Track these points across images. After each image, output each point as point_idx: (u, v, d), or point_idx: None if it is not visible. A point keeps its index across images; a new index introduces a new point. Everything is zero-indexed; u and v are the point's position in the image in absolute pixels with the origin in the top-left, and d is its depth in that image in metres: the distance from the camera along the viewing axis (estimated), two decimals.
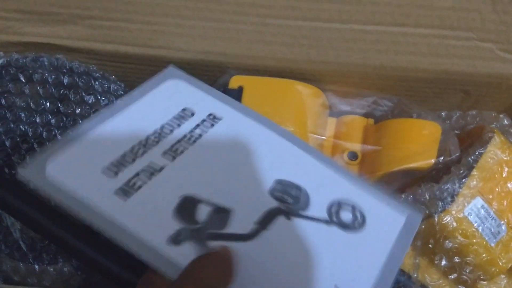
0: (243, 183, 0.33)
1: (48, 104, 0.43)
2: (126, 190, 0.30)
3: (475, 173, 0.39)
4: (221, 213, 0.30)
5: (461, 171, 0.39)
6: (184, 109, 0.35)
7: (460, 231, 0.39)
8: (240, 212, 0.31)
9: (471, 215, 0.39)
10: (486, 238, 0.39)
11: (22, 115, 0.43)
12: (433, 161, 0.40)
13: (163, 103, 0.35)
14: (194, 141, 0.34)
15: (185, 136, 0.34)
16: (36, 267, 0.46)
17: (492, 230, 0.39)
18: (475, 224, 0.39)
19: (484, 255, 0.39)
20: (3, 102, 0.43)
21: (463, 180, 0.39)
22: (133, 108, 0.34)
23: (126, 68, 0.45)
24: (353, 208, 0.33)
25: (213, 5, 0.42)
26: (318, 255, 0.30)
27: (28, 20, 0.43)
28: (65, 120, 0.43)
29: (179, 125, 0.34)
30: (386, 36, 0.42)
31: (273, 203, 0.32)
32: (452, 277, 0.40)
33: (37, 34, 0.43)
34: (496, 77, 0.43)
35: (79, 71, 0.43)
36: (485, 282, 0.41)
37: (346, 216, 0.32)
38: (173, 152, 0.33)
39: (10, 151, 0.43)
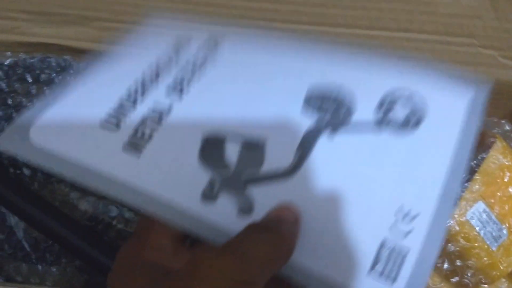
0: (269, 106, 0.27)
1: None
2: (136, 144, 0.25)
3: (477, 177, 0.40)
4: (254, 148, 0.25)
5: (464, 175, 0.40)
6: (179, 36, 0.30)
7: (462, 235, 0.39)
8: (275, 142, 0.25)
9: (473, 219, 0.39)
10: (488, 242, 0.39)
11: None
12: None
13: (151, 41, 0.30)
14: (201, 66, 0.28)
15: (187, 62, 0.28)
16: (39, 267, 0.46)
17: (494, 234, 0.39)
18: (477, 228, 0.39)
19: (485, 258, 0.39)
20: (10, 102, 0.43)
21: (466, 184, 0.39)
22: (117, 55, 0.29)
23: None
24: (407, 102, 0.27)
25: (220, 9, 0.43)
26: (373, 174, 0.25)
27: (36, 20, 0.43)
28: None
29: (177, 52, 0.29)
30: (391, 41, 0.43)
31: (310, 122, 0.26)
32: (454, 280, 0.40)
33: (45, 35, 0.43)
34: (498, 84, 0.44)
35: None
36: (486, 285, 0.42)
37: (399, 113, 0.27)
38: (179, 84, 0.27)
39: None
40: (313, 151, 0.25)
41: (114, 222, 0.44)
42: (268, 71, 0.28)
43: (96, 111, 0.26)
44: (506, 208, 0.40)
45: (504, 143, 0.42)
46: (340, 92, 0.27)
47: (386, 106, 0.27)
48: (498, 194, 0.40)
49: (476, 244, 0.39)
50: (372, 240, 0.23)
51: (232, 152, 0.25)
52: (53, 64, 0.44)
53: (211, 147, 0.25)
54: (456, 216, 0.39)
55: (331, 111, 0.26)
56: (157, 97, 0.26)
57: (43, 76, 0.43)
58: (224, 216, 0.23)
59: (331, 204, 0.24)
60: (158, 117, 0.26)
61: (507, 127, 0.45)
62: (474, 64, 0.43)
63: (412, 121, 0.26)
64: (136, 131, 0.25)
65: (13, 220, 0.44)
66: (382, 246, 0.23)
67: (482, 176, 0.40)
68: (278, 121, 0.26)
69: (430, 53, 0.43)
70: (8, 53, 0.44)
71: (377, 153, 0.25)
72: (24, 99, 0.43)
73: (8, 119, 0.43)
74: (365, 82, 0.27)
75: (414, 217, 0.24)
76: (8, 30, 0.43)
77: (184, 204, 0.23)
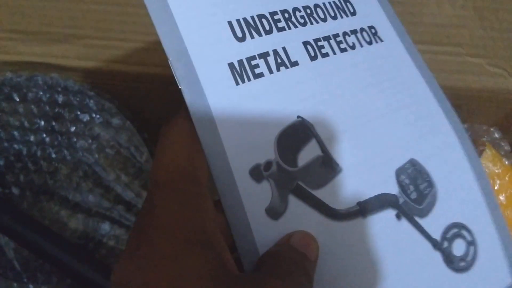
0: (374, 142, 0.26)
1: (42, 122, 0.43)
2: (243, 71, 0.24)
3: None
4: (328, 168, 0.24)
5: None
6: (346, 1, 0.29)
7: None
8: (348, 179, 0.24)
9: None
10: None
11: (16, 134, 0.43)
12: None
13: None
14: (344, 50, 0.27)
15: (337, 35, 0.27)
16: (30, 286, 0.45)
17: None
18: None
19: None
20: None
21: None
22: None
23: (120, 86, 0.45)
24: (471, 243, 0.26)
25: None
26: (408, 278, 0.25)
27: (23, 39, 0.43)
28: (59, 138, 0.43)
29: (334, 17, 0.28)
30: None
31: (393, 189, 0.25)
32: None
33: (32, 54, 0.43)
34: (486, 91, 0.44)
35: (74, 89, 0.44)
36: None
37: (459, 248, 0.26)
38: (317, 48, 0.26)
39: (4, 170, 0.43)
40: (373, 217, 0.24)
41: (105, 240, 0.43)
42: (401, 106, 0.28)
43: (233, 7, 0.25)
44: None
45: (493, 151, 0.42)
46: (433, 185, 0.27)
47: (451, 233, 0.26)
48: None
49: None
50: None
51: (308, 154, 0.24)
52: (40, 82, 0.43)
53: (297, 134, 0.24)
54: None
55: (418, 194, 0.26)
56: (290, 43, 0.25)
57: (30, 94, 0.43)
58: (253, 204, 0.22)
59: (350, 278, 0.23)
60: (279, 63, 0.25)
61: (496, 135, 0.45)
62: (462, 72, 0.43)
63: (465, 263, 0.27)
64: (251, 59, 0.24)
65: (3, 239, 0.43)
66: None
67: None
68: (368, 161, 0.25)
69: None
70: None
71: (426, 266, 0.26)
72: (11, 118, 0.43)
73: None
74: (452, 196, 0.27)
75: None
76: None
77: (234, 163, 0.22)
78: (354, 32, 0.28)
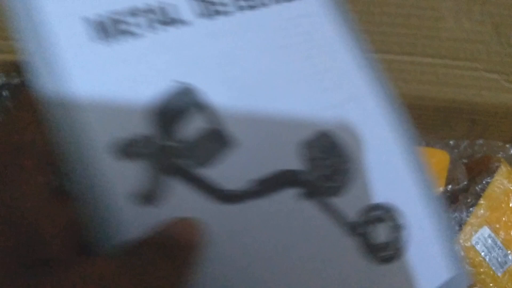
0: (276, 113, 0.22)
1: None
2: (110, 28, 0.20)
3: (482, 202, 0.40)
4: (217, 142, 0.20)
5: (469, 200, 0.39)
6: None
7: (467, 260, 0.39)
8: (241, 155, 0.20)
9: (478, 244, 0.39)
10: (493, 268, 0.39)
11: None
12: (441, 189, 0.41)
13: None
14: (244, 8, 0.23)
15: None
16: None
17: (499, 259, 0.39)
18: (482, 253, 0.39)
19: (491, 284, 0.39)
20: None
21: (471, 209, 0.39)
22: None
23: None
24: (397, 228, 0.23)
25: None
26: (314, 269, 0.21)
27: None
28: None
29: None
30: (395, 65, 0.43)
31: (297, 165, 0.22)
32: None
33: None
34: (502, 107, 0.44)
35: None
36: None
37: (382, 234, 0.23)
38: (211, 5, 0.22)
39: None
40: (271, 196, 0.21)
41: None
42: (312, 65, 0.24)
43: None
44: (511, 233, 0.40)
45: (509, 168, 0.41)
46: (348, 161, 0.23)
47: (370, 217, 0.23)
48: (503, 219, 0.40)
49: (481, 270, 0.39)
50: None
51: (193, 126, 0.20)
52: None
53: (178, 103, 0.20)
54: (461, 241, 0.39)
55: (329, 172, 0.22)
56: None
57: None
58: (119, 186, 0.18)
59: (248, 270, 0.20)
60: (160, 21, 0.21)
61: None
62: (478, 87, 0.43)
63: (387, 252, 0.23)
64: (121, 14, 0.20)
65: None
66: None
67: (487, 201, 0.40)
68: (268, 135, 0.21)
69: (434, 77, 0.43)
70: (15, 74, 0.45)
71: (337, 253, 0.22)
72: None
73: None
74: (374, 174, 0.24)
75: None
76: (17, 51, 0.44)
77: (96, 134, 0.18)
78: None
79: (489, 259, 0.38)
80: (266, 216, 0.21)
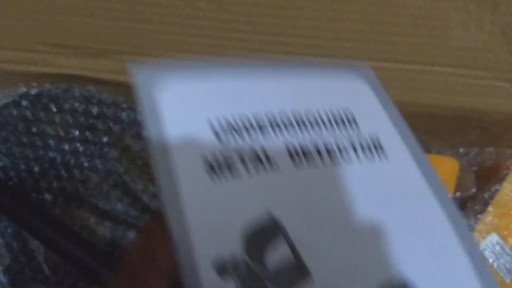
0: (355, 254, 0.23)
1: (76, 132, 0.45)
2: (220, 170, 0.23)
3: (490, 209, 0.40)
4: (298, 274, 0.22)
5: (477, 207, 0.40)
6: (346, 109, 0.27)
7: None
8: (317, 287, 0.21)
9: (486, 250, 0.39)
10: (501, 274, 0.39)
11: (52, 142, 0.45)
12: (450, 196, 0.41)
13: (325, 87, 0.27)
14: (337, 163, 0.25)
15: (328, 146, 0.26)
16: None
17: (507, 266, 0.39)
18: (490, 260, 0.39)
19: None
20: (35, 129, 0.45)
21: (479, 216, 0.39)
22: (285, 74, 0.27)
23: None
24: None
25: (234, 42, 0.44)
26: None
27: (62, 53, 0.45)
28: (92, 148, 0.45)
29: (329, 124, 0.26)
30: (405, 74, 0.44)
31: None
32: None
33: (70, 67, 0.45)
34: None
35: (108, 102, 0.45)
36: None
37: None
38: (303, 156, 0.25)
39: (38, 177, 0.45)
40: None
41: None
42: (390, 234, 0.25)
43: (220, 106, 0.25)
44: None
45: None
46: None
47: None
48: None
49: None
50: None
51: (278, 258, 0.22)
52: (77, 94, 0.45)
53: (267, 233, 0.23)
54: None
55: None
56: (272, 145, 0.25)
57: (66, 105, 0.45)
58: None
59: None
60: (257, 164, 0.24)
61: None
62: (488, 96, 0.43)
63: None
64: (227, 158, 0.24)
65: (34, 244, 0.45)
66: None
67: (496, 208, 0.40)
68: (345, 278, 0.23)
69: (444, 85, 0.44)
70: (34, 84, 0.46)
71: None
72: (47, 127, 0.45)
73: (32, 146, 0.45)
74: None
75: None
76: (35, 62, 0.45)
77: (199, 252, 0.21)
78: (352, 145, 0.26)
79: (497, 265, 0.39)
80: None
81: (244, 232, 0.22)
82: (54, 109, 0.45)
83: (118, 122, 0.45)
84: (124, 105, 0.46)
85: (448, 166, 0.43)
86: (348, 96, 0.28)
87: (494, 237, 0.39)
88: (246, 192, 0.23)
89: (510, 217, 0.40)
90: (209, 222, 0.22)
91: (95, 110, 0.45)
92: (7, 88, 0.47)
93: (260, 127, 0.25)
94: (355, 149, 0.26)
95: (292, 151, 0.25)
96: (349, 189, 0.25)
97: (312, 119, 0.26)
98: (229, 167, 0.23)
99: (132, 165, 0.45)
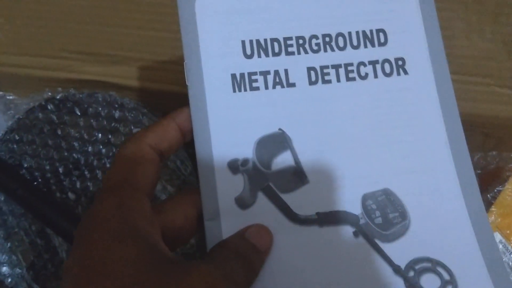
0: (348, 166, 0.28)
1: (100, 135, 0.47)
2: (242, 83, 0.28)
3: (493, 209, 0.42)
4: (297, 178, 0.27)
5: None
6: (380, 30, 0.29)
7: None
8: (314, 191, 0.27)
9: None
10: None
11: (76, 144, 0.48)
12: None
13: (367, 6, 0.30)
14: (353, 79, 0.29)
15: (350, 64, 0.29)
16: None
17: (510, 264, 0.41)
18: None
19: None
20: (59, 132, 0.48)
21: None
22: None
23: (170, 105, 0.49)
24: (448, 283, 0.27)
25: None
26: None
27: (87, 60, 0.48)
28: (114, 150, 0.47)
29: (356, 46, 0.29)
30: None
31: (356, 210, 0.27)
32: None
33: (93, 73, 0.48)
34: None
35: (129, 106, 0.48)
36: None
37: (430, 282, 0.26)
38: (320, 75, 0.29)
39: (62, 177, 0.48)
40: (329, 229, 0.27)
41: None
42: (395, 143, 0.29)
43: (251, 27, 0.29)
44: None
45: None
46: (407, 216, 0.28)
47: (420, 267, 0.27)
48: None
49: None
50: None
51: (282, 162, 0.27)
52: (100, 99, 0.48)
53: (275, 143, 0.27)
54: None
55: (384, 222, 0.27)
56: (295, 66, 0.29)
57: (90, 109, 0.48)
58: (225, 190, 0.26)
59: (302, 278, 0.26)
60: (276, 82, 0.28)
61: None
62: (490, 102, 0.45)
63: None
64: (252, 74, 0.28)
65: (57, 240, 0.47)
66: None
67: (498, 208, 0.42)
68: (337, 182, 0.27)
69: None
70: (59, 89, 0.49)
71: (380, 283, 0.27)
72: (72, 130, 0.48)
73: (57, 147, 0.48)
74: (431, 231, 0.28)
75: None
76: (61, 68, 0.48)
77: (217, 152, 0.27)
78: (373, 62, 0.29)
79: None
80: (324, 240, 0.27)
81: (257, 141, 0.27)
82: (78, 113, 0.48)
83: (139, 126, 0.48)
84: (144, 110, 0.48)
85: None
86: (387, 17, 0.30)
87: (497, 236, 0.41)
88: (261, 103, 0.28)
89: None
90: (226, 126, 0.27)
91: (117, 114, 0.48)
92: (34, 92, 0.49)
93: (287, 51, 0.28)
94: (374, 67, 0.29)
95: (311, 70, 0.28)
96: (356, 103, 0.29)
97: (341, 43, 0.29)
98: (251, 83, 0.28)
99: None
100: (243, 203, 0.27)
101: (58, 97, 0.48)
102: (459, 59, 0.45)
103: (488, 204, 0.42)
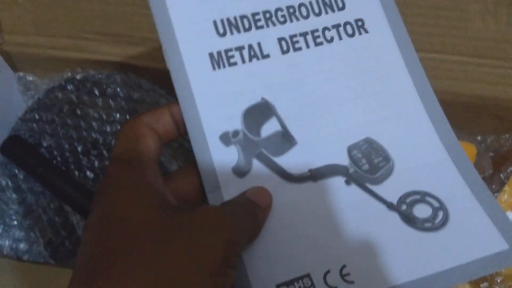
0: (330, 123, 0.30)
1: (118, 115, 0.48)
2: (220, 60, 0.30)
3: (506, 189, 0.42)
4: (286, 141, 0.29)
5: (493, 187, 0.42)
6: None
7: None
8: (303, 150, 0.29)
9: None
10: None
11: (94, 124, 0.49)
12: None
13: None
14: (321, 43, 0.31)
15: (315, 30, 0.32)
16: None
17: None
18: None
19: None
20: (79, 112, 0.49)
21: (495, 194, 0.42)
22: None
23: None
24: (439, 208, 0.29)
25: None
26: (356, 232, 0.28)
27: (105, 41, 0.48)
28: None
29: (318, 13, 0.32)
30: (425, 62, 0.46)
31: (344, 161, 0.30)
32: (483, 286, 0.42)
33: (112, 54, 0.48)
34: None
35: (147, 87, 0.49)
36: None
37: (422, 211, 0.29)
38: (291, 43, 0.31)
39: (81, 156, 0.49)
40: (322, 182, 0.29)
41: None
42: (365, 93, 0.32)
43: (220, 7, 0.31)
44: None
45: None
46: (390, 159, 0.30)
47: (410, 199, 0.30)
48: None
49: None
50: None
51: (269, 128, 0.29)
52: (118, 80, 0.49)
53: (260, 112, 0.30)
54: None
55: (371, 167, 0.30)
56: (266, 39, 0.31)
57: (109, 90, 0.49)
58: (222, 162, 0.28)
59: (304, 232, 0.28)
60: (252, 55, 0.30)
61: None
62: (504, 84, 0.46)
63: (433, 224, 0.29)
64: (228, 50, 0.30)
65: (75, 218, 0.48)
66: None
67: (511, 188, 0.42)
68: (323, 139, 0.30)
69: (463, 74, 0.46)
70: (79, 69, 0.50)
71: (376, 220, 0.29)
72: (91, 110, 0.49)
73: (76, 127, 0.48)
74: (412, 170, 0.30)
75: None
76: (81, 49, 0.49)
77: (207, 128, 0.28)
78: (336, 26, 0.32)
79: None
80: (320, 193, 0.29)
81: (244, 112, 0.29)
82: (97, 93, 0.49)
83: (156, 107, 0.48)
84: (162, 91, 0.49)
85: (466, 151, 0.46)
86: None
87: (510, 215, 0.42)
88: (241, 76, 0.30)
89: None
90: (213, 103, 0.29)
91: (135, 95, 0.49)
92: (53, 72, 0.50)
93: (257, 26, 0.31)
94: (337, 30, 0.32)
95: (282, 41, 0.31)
96: (327, 64, 0.31)
97: (304, 12, 0.32)
98: (228, 58, 0.30)
99: (168, 146, 0.48)
100: (240, 171, 0.29)
101: (77, 78, 0.49)
102: (474, 41, 0.46)
103: (501, 184, 0.42)
